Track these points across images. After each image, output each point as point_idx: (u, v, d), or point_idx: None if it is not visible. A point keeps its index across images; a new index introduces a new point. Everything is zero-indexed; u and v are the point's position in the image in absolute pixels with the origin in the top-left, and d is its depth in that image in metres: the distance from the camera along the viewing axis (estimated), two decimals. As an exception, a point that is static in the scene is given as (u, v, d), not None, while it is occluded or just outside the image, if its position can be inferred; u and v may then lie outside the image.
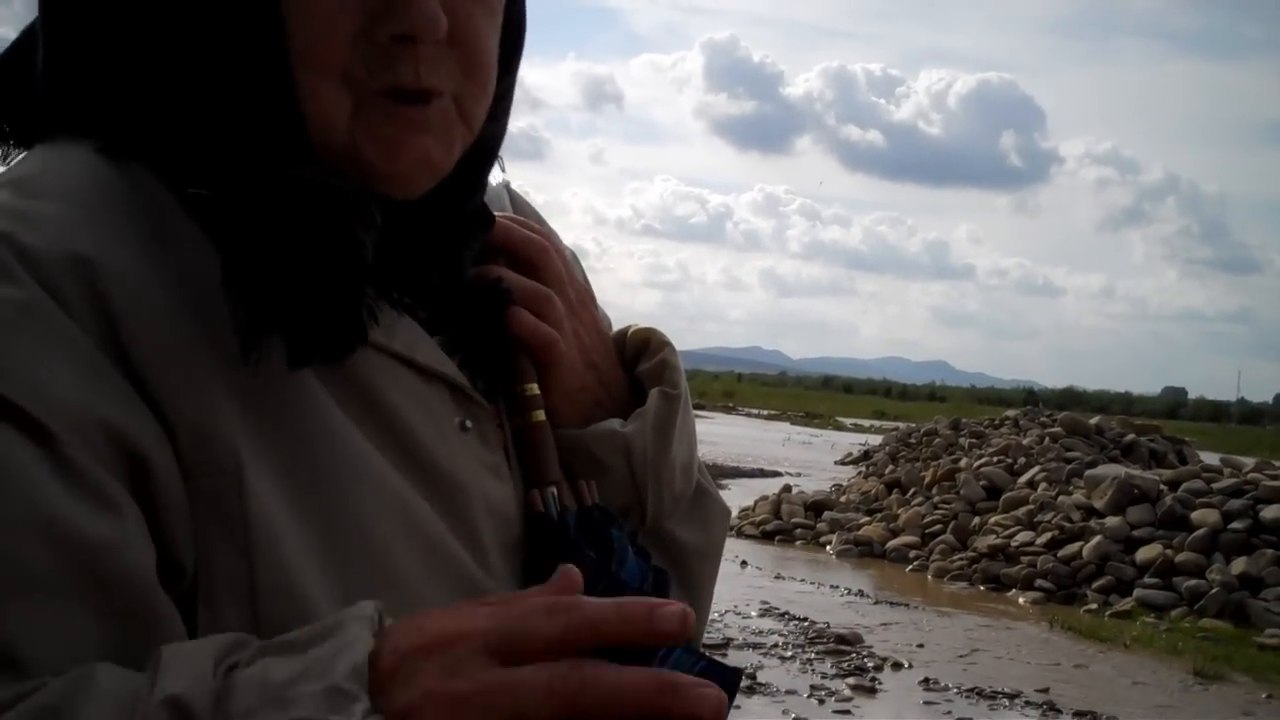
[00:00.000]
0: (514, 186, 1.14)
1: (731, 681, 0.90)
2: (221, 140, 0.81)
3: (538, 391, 0.96)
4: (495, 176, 1.10)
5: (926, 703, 8.55)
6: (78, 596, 0.68)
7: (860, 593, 12.56)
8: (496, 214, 1.02)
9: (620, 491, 0.98)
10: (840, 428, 52.63)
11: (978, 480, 16.13)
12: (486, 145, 0.95)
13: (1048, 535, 13.74)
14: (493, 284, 0.97)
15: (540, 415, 0.96)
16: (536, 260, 1.01)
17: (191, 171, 0.80)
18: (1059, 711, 8.54)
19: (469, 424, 0.90)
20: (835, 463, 27.64)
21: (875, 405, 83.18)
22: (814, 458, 29.89)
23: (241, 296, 0.77)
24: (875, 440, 28.12)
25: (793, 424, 53.63)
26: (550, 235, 1.06)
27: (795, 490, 18.32)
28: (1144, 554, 12.77)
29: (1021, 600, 12.79)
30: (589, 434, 0.99)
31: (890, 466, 19.37)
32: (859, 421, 58.04)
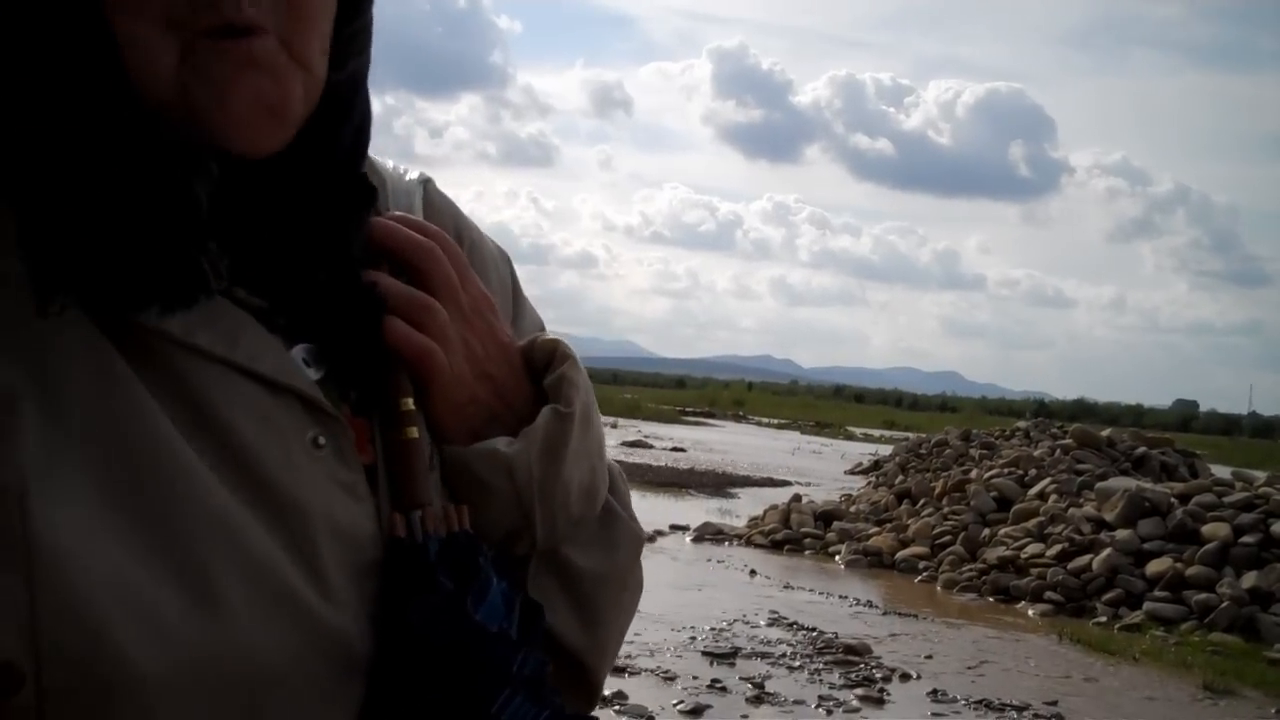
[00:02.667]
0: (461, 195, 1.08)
1: None
2: (33, 98, 0.75)
3: (413, 407, 0.90)
4: (412, 172, 1.05)
5: (935, 714, 8.53)
6: None
7: (869, 603, 12.54)
8: (383, 216, 0.96)
9: (507, 513, 0.93)
10: (850, 437, 52.58)
11: (988, 491, 16.11)
12: (337, 93, 0.87)
13: (1058, 547, 13.72)
14: (368, 290, 0.90)
15: (413, 432, 0.89)
16: (421, 265, 0.94)
17: None
18: (1067, 724, 8.52)
19: (323, 440, 0.84)
20: (845, 472, 27.61)
21: (886, 415, 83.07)
22: (824, 467, 29.86)
23: (36, 250, 0.74)
24: (885, 450, 28.08)
25: (803, 433, 53.58)
26: (442, 238, 0.98)
27: (805, 500, 18.31)
28: (1154, 567, 12.74)
29: (1031, 612, 12.76)
30: (471, 452, 0.93)
31: (900, 477, 19.36)
32: (869, 431, 57.98)
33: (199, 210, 0.77)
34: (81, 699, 0.69)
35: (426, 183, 1.06)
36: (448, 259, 0.95)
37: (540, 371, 1.00)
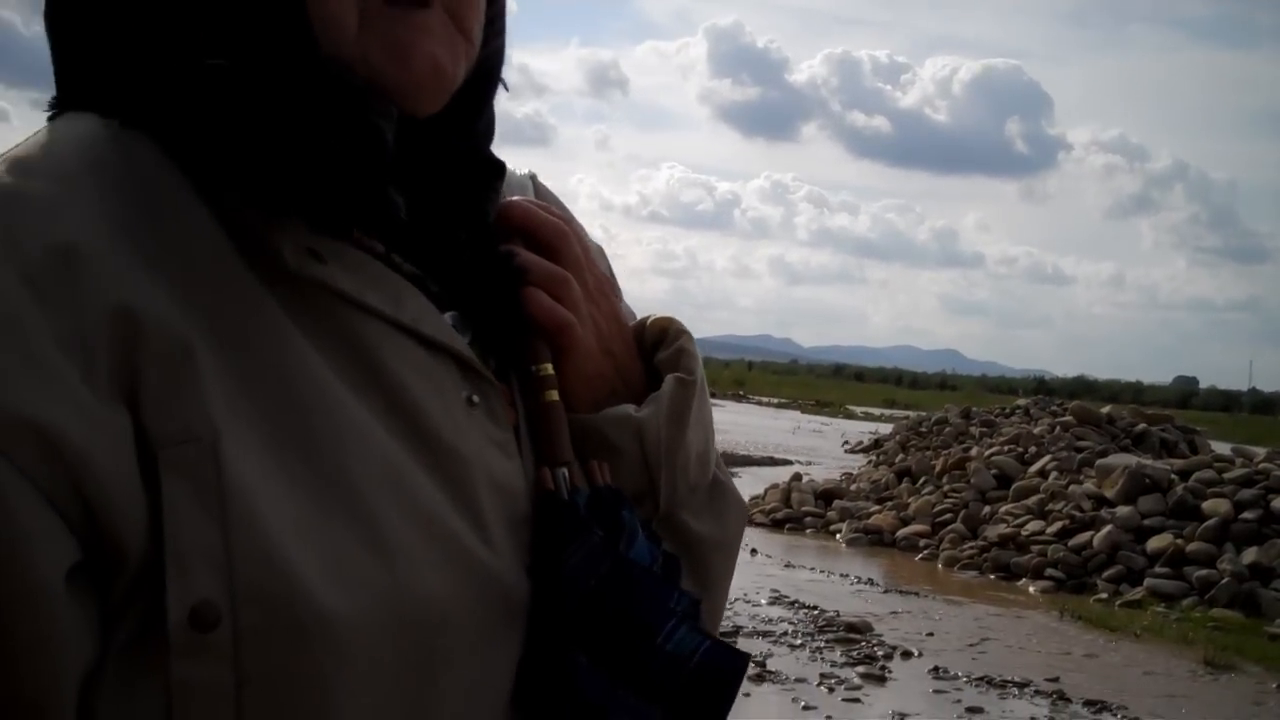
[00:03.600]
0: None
1: (738, 665, 0.91)
2: (230, 48, 0.81)
3: (552, 372, 0.95)
4: (520, 168, 1.11)
5: (936, 691, 8.56)
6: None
7: (870, 581, 12.57)
8: (516, 197, 1.02)
9: (633, 477, 0.97)
10: (851, 416, 52.63)
11: (988, 469, 16.14)
12: (485, 68, 0.95)
13: (1058, 524, 13.74)
14: (507, 261, 0.96)
15: (554, 395, 0.94)
16: (555, 243, 1.00)
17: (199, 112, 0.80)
18: (1069, 700, 8.54)
19: (476, 399, 0.89)
20: (846, 451, 27.65)
21: (886, 394, 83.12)
22: (824, 446, 29.91)
23: (250, 180, 0.79)
24: (886, 429, 28.11)
25: (803, 412, 53.63)
26: (571, 221, 1.05)
27: (805, 479, 18.34)
28: (1155, 543, 12.76)
29: (1031, 589, 12.79)
30: (602, 417, 0.98)
31: (901, 455, 19.39)
32: (870, 410, 58.03)
33: (386, 143, 0.83)
34: (274, 637, 0.73)
35: (534, 176, 1.13)
36: (575, 241, 1.01)
37: (650, 351, 1.06)
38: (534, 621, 0.85)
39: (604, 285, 1.04)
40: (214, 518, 0.73)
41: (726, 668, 0.90)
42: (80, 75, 0.87)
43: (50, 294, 0.74)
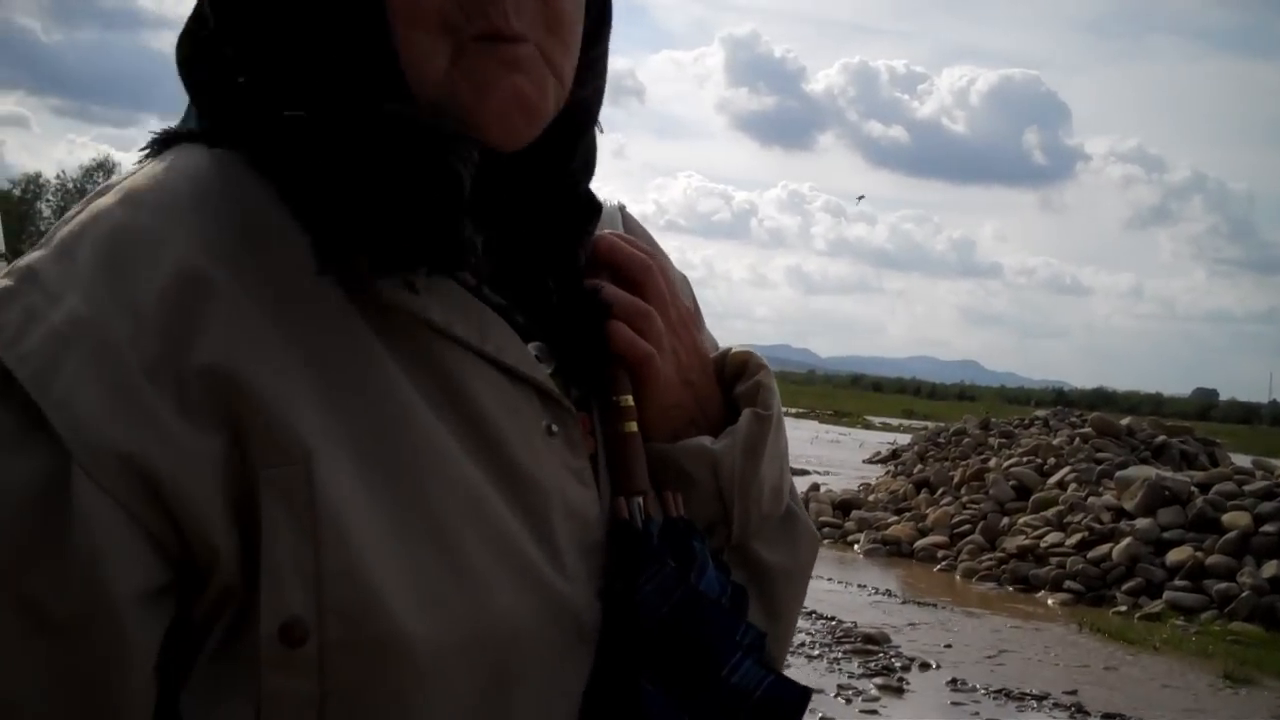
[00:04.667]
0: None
1: (800, 700, 0.93)
2: (321, 91, 0.84)
3: (632, 403, 0.98)
4: (611, 199, 1.14)
5: (954, 703, 8.53)
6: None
7: (888, 592, 12.54)
8: (605, 231, 1.05)
9: (707, 507, 1.00)
10: (869, 426, 52.51)
11: (1007, 480, 16.08)
12: (580, 110, 0.97)
13: (1077, 536, 13.68)
14: (593, 295, 0.99)
15: (632, 426, 0.97)
16: (640, 277, 1.03)
17: (290, 137, 0.84)
18: (1087, 713, 8.50)
19: (555, 428, 0.91)
20: (863, 461, 27.58)
21: (904, 404, 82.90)
22: (842, 456, 29.83)
23: (321, 214, 0.82)
24: (904, 439, 28.04)
25: (821, 422, 53.53)
26: (657, 255, 1.08)
27: (823, 489, 18.30)
28: (1174, 556, 12.70)
29: (1050, 601, 12.74)
30: (679, 448, 1.01)
31: (919, 466, 19.33)
32: (888, 420, 57.88)
33: (461, 186, 0.84)
34: (359, 655, 0.77)
35: (623, 208, 1.16)
36: (659, 275, 1.04)
37: (729, 383, 1.09)
38: (604, 647, 0.88)
39: (686, 318, 1.07)
40: (307, 536, 0.77)
41: (789, 702, 0.92)
42: (199, 107, 0.92)
43: (149, 324, 0.78)
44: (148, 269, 0.80)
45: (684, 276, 1.14)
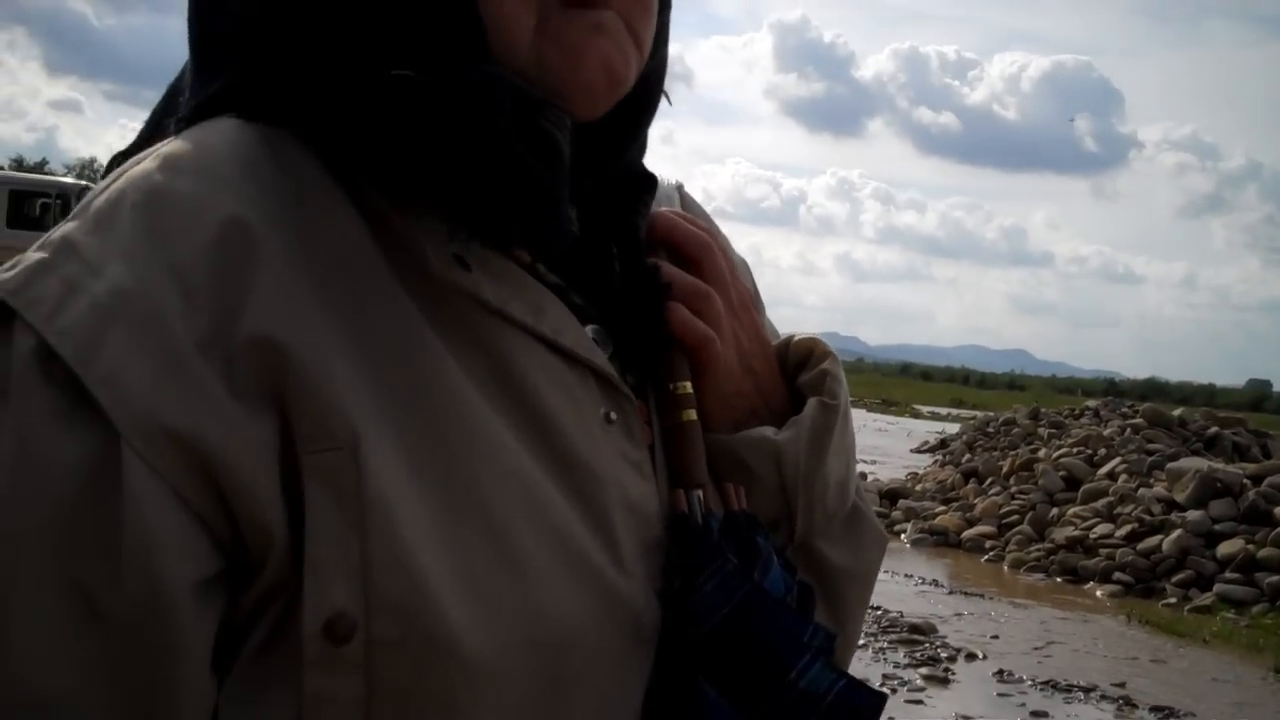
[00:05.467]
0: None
1: (875, 705, 0.87)
2: (399, 59, 0.79)
3: (690, 390, 0.93)
4: (669, 178, 1.10)
5: (1000, 694, 8.49)
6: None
7: (935, 582, 12.49)
8: (662, 208, 1.01)
9: (769, 502, 0.95)
10: (917, 415, 52.26)
11: (1056, 471, 15.97)
12: (650, 79, 0.94)
13: (1127, 528, 13.57)
14: (651, 275, 0.94)
15: (691, 415, 0.92)
16: (699, 256, 0.98)
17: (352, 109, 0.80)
18: (1135, 706, 8.44)
19: (614, 416, 0.87)
20: (911, 451, 27.45)
21: (953, 393, 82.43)
22: (890, 445, 29.70)
23: (441, 181, 0.78)
24: (953, 429, 27.89)
25: (869, 411, 53.32)
26: (716, 234, 1.03)
27: (871, 478, 18.25)
28: (1225, 548, 12.57)
29: (1099, 593, 12.65)
30: (740, 439, 0.95)
31: (967, 455, 19.22)
32: (936, 409, 57.59)
33: (563, 158, 0.81)
34: (407, 654, 0.72)
35: (680, 186, 1.12)
36: (719, 254, 0.99)
37: (793, 371, 1.03)
38: (664, 648, 0.83)
39: (747, 301, 1.02)
40: (353, 525, 0.73)
41: (864, 707, 0.87)
42: (222, 80, 0.86)
43: (196, 294, 0.74)
44: (190, 232, 0.76)
45: (744, 260, 1.10)
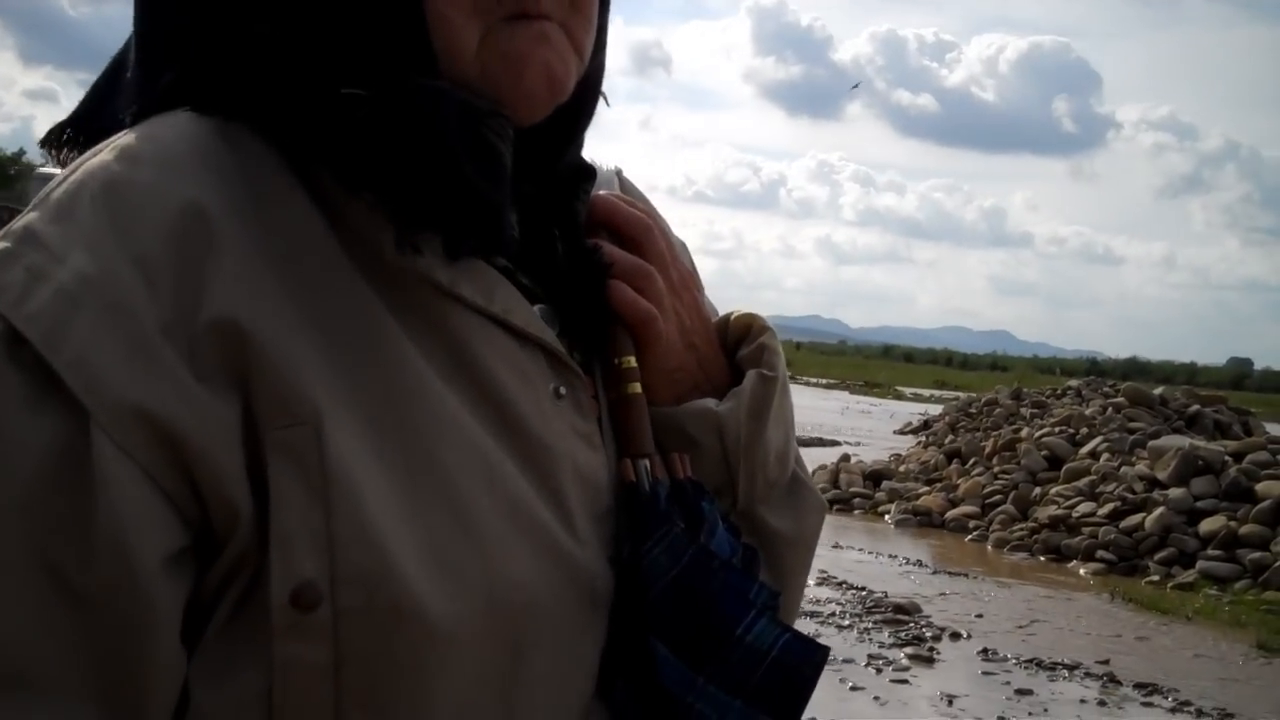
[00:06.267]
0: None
1: (817, 658, 0.91)
2: (350, 68, 0.83)
3: (634, 365, 0.97)
4: (606, 163, 1.13)
5: (985, 673, 8.52)
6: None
7: (919, 562, 12.52)
8: (602, 192, 1.04)
9: (713, 471, 0.99)
10: (900, 397, 52.41)
11: (1039, 450, 16.03)
12: (589, 82, 0.97)
13: (1110, 506, 13.63)
14: (593, 255, 0.98)
15: (636, 388, 0.96)
16: (639, 237, 1.02)
17: (308, 112, 0.83)
18: (1119, 683, 8.48)
19: (563, 391, 0.90)
20: (894, 432, 27.54)
21: (936, 375, 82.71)
22: (873, 427, 29.79)
23: (393, 193, 0.82)
24: (935, 410, 27.98)
25: (852, 393, 53.46)
26: (655, 216, 1.07)
27: (854, 459, 18.28)
28: (1207, 526, 12.64)
29: (1082, 571, 12.71)
30: (683, 410, 0.99)
31: (950, 436, 19.28)
32: (919, 391, 57.77)
33: (505, 168, 0.85)
34: (373, 621, 0.75)
35: (619, 171, 1.15)
36: (659, 235, 1.03)
37: (732, 347, 1.07)
38: (617, 614, 0.87)
39: (687, 279, 1.06)
40: (318, 500, 0.75)
41: (805, 660, 0.91)
42: (173, 72, 0.89)
43: (158, 280, 0.76)
44: (151, 220, 0.78)
45: (683, 242, 1.13)
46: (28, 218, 0.81)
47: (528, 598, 0.81)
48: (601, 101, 1.02)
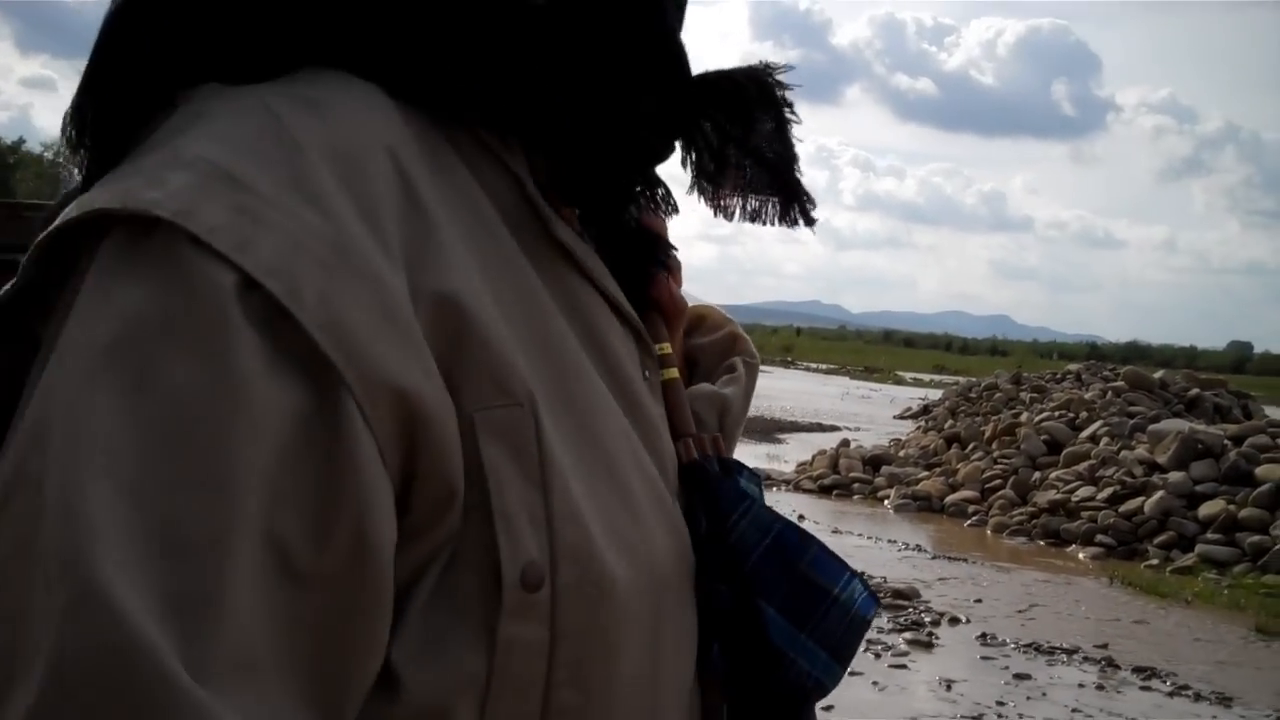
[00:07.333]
0: None
1: (874, 612, 0.98)
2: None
3: (670, 351, 1.00)
4: None
5: (984, 658, 8.53)
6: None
7: (918, 547, 12.54)
8: None
9: None
10: (900, 382, 52.44)
11: (1038, 435, 16.03)
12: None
13: (1109, 490, 13.65)
14: (659, 242, 1.02)
15: (674, 373, 0.98)
16: (660, 226, 1.04)
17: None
18: (1118, 667, 8.49)
19: (647, 373, 0.93)
20: (894, 417, 27.56)
21: (936, 359, 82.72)
22: (873, 412, 29.81)
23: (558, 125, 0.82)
24: (935, 395, 27.99)
25: (852, 378, 53.49)
26: None
27: (853, 445, 18.29)
28: (1207, 510, 12.65)
29: (1081, 556, 12.72)
30: (693, 393, 1.04)
31: (950, 421, 19.29)
32: (919, 376, 57.80)
33: (687, 68, 0.87)
34: (583, 598, 0.76)
35: None
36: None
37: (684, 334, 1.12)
38: (706, 583, 0.89)
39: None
40: (534, 481, 0.75)
41: (871, 614, 0.97)
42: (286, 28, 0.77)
43: (390, 243, 0.71)
44: (368, 176, 0.71)
45: None
46: (190, 147, 0.69)
47: (667, 571, 0.84)
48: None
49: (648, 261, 1.00)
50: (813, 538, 0.94)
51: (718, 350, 1.13)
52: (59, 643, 0.59)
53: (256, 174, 0.68)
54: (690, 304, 1.12)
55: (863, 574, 0.96)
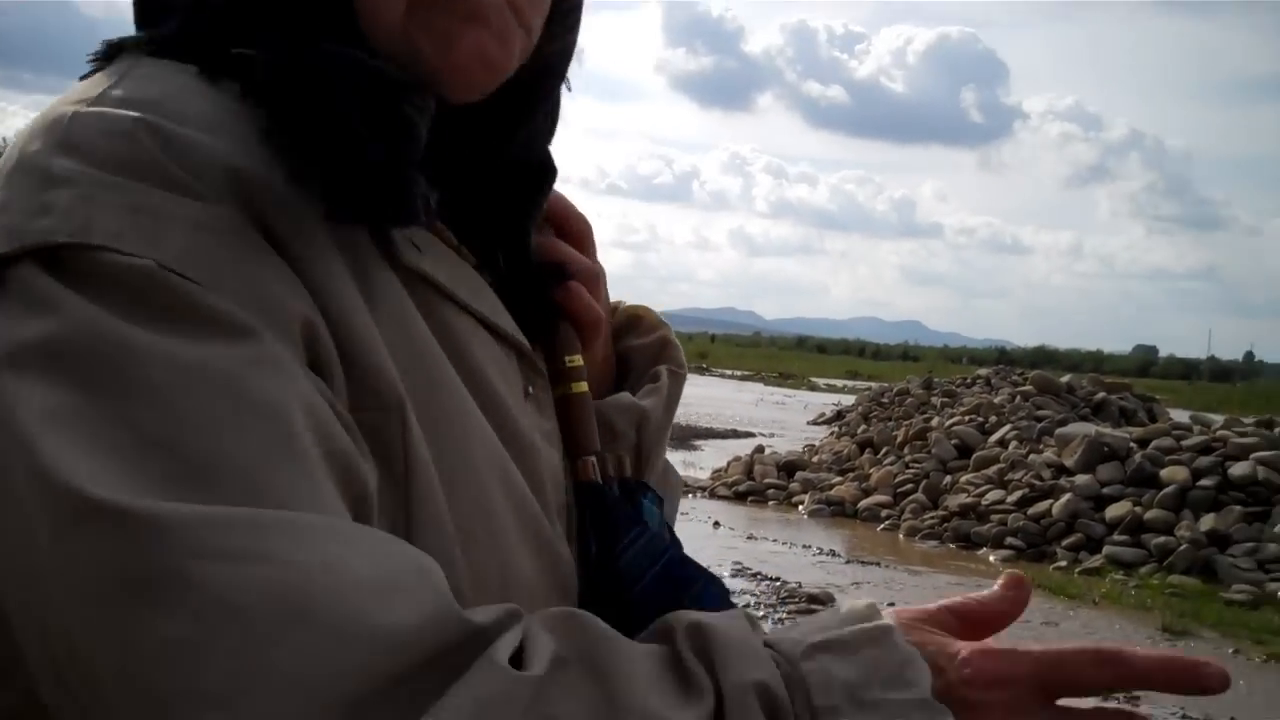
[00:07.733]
0: None
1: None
2: (268, 26, 0.79)
3: (581, 363, 0.98)
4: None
5: (897, 661, 8.60)
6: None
7: (832, 552, 12.61)
8: None
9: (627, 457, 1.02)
10: (814, 388, 52.77)
11: (949, 439, 16.21)
12: (549, 63, 0.95)
13: (1018, 493, 13.82)
14: (554, 258, 0.99)
15: (583, 386, 0.98)
16: (584, 234, 1.03)
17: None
18: (1028, 668, 8.60)
19: (531, 390, 0.91)
20: (808, 423, 27.72)
21: (849, 365, 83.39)
22: (787, 418, 29.97)
23: (287, 148, 0.76)
24: (848, 400, 28.20)
25: (766, 384, 53.75)
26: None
27: (768, 451, 18.37)
28: (1113, 511, 12.86)
29: (992, 558, 12.86)
30: (609, 404, 1.02)
31: (863, 426, 19.45)
32: (832, 382, 58.22)
33: (416, 135, 0.80)
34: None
35: None
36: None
37: (616, 335, 1.10)
38: (584, 606, 0.86)
39: (601, 276, 1.07)
40: (398, 485, 0.75)
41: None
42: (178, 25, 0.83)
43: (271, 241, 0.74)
44: (226, 189, 0.72)
45: None
46: (51, 161, 0.72)
47: (531, 595, 0.82)
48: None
49: (552, 276, 0.98)
50: (703, 570, 0.93)
51: (649, 354, 1.10)
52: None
53: (124, 183, 0.70)
54: (616, 300, 1.12)
55: (750, 606, 0.94)
